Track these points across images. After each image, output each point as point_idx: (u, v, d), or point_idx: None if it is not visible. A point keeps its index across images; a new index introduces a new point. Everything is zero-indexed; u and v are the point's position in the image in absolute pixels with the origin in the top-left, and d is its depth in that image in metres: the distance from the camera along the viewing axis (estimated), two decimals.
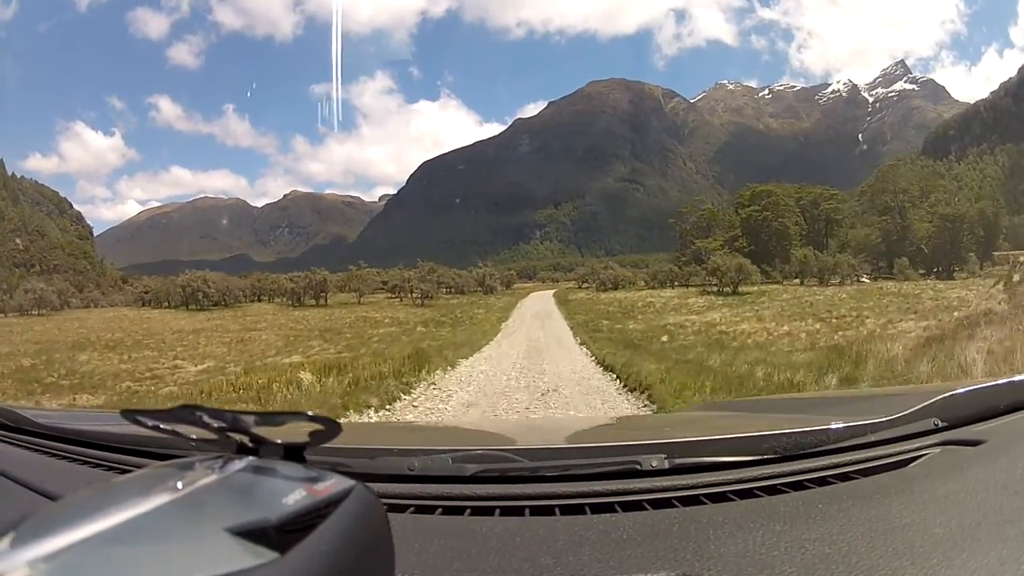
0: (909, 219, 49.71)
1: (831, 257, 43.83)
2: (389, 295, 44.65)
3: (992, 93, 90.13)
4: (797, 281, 41.82)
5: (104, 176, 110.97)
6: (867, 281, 40.82)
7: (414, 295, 40.74)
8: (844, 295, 28.73)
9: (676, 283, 46.46)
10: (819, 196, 55.09)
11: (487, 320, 24.05)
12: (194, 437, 0.51)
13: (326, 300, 40.59)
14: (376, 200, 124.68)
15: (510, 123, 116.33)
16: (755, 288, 35.30)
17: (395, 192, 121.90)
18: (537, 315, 26.34)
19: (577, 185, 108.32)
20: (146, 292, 44.69)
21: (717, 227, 53.52)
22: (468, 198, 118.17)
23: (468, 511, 0.76)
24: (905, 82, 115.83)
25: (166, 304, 40.09)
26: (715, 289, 36.13)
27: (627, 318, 21.78)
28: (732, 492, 0.77)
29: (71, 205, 56.14)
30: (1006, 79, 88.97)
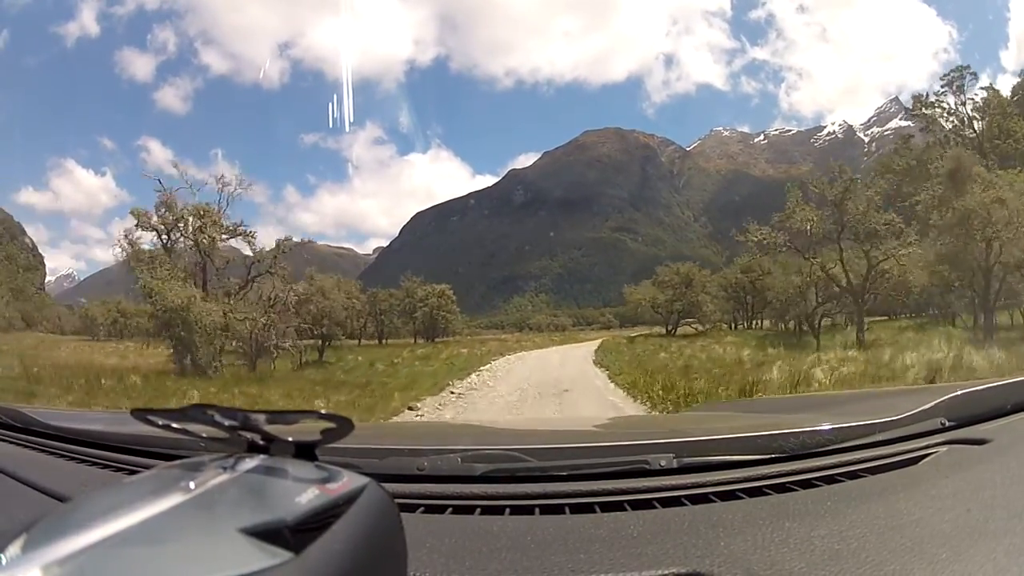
0: None
1: None
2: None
3: None
4: None
5: (97, 216, 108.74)
6: None
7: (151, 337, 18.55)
8: None
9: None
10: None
11: None
12: (204, 436, 0.50)
13: None
14: (370, 252, 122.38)
15: (504, 174, 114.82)
16: None
17: (387, 244, 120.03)
18: None
19: (572, 235, 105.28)
20: None
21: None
22: (461, 249, 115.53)
23: (478, 510, 0.75)
24: (900, 119, 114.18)
25: None
26: None
27: None
28: (741, 490, 0.76)
29: (24, 232, 54.37)
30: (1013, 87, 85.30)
